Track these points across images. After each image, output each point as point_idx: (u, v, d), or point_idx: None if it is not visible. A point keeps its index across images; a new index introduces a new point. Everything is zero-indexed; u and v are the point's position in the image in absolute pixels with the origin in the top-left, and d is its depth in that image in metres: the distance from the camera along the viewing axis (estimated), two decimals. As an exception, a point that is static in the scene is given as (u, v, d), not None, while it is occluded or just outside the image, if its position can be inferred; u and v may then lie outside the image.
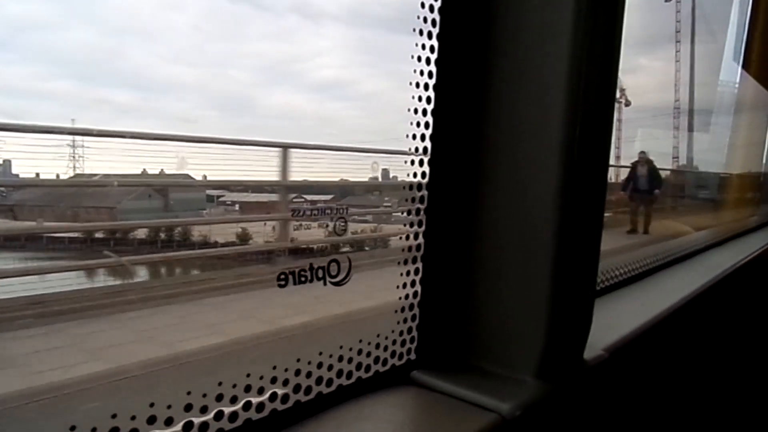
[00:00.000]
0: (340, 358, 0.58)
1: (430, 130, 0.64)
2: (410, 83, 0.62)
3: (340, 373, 0.58)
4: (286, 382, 0.53)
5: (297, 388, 0.54)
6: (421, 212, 0.65)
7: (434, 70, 0.63)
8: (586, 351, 0.73)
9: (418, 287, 0.66)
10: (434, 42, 0.62)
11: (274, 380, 0.52)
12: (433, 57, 0.62)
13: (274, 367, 0.53)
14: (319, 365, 0.56)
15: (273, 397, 0.52)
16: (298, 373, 0.54)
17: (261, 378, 0.51)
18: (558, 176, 0.60)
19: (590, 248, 0.70)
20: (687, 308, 1.06)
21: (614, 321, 0.89)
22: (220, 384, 0.49)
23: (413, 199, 0.64)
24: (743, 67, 2.68)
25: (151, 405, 0.44)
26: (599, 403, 0.77)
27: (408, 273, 0.65)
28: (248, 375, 0.51)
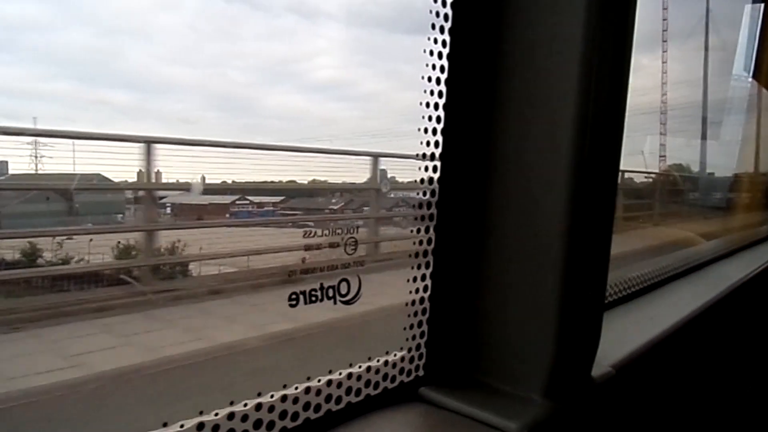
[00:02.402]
0: (350, 376, 0.59)
1: (441, 125, 0.64)
2: (422, 77, 0.62)
3: (349, 390, 0.59)
4: (296, 400, 0.54)
5: (307, 406, 0.55)
6: (431, 229, 0.65)
7: (446, 64, 0.63)
8: (593, 368, 0.73)
9: (426, 304, 0.66)
10: (446, 36, 0.62)
11: (284, 399, 0.53)
12: (445, 51, 0.62)
13: (285, 386, 0.53)
14: (329, 383, 0.57)
15: (283, 414, 0.53)
16: (308, 390, 0.55)
17: (271, 396, 0.52)
18: (568, 181, 0.60)
19: (599, 261, 0.70)
20: (697, 322, 1.06)
21: (621, 336, 0.89)
22: (231, 403, 0.49)
23: (421, 205, 0.64)
24: (753, 76, 2.67)
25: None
26: (607, 423, 0.77)
27: (417, 290, 0.65)
28: (259, 394, 0.51)
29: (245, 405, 0.50)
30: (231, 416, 0.49)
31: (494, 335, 0.67)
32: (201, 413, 0.48)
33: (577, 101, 0.59)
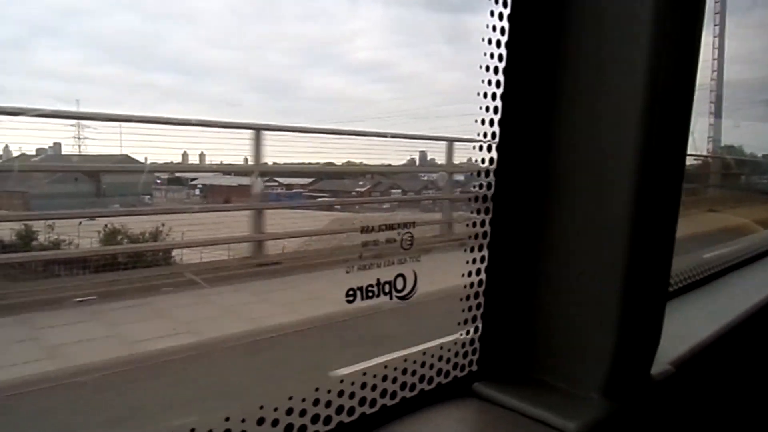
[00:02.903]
0: (405, 371, 0.58)
1: (499, 115, 0.61)
2: (480, 67, 0.60)
3: (403, 386, 0.58)
4: (352, 395, 0.54)
5: (362, 401, 0.55)
6: (486, 222, 0.63)
7: (504, 53, 0.60)
8: (652, 366, 0.71)
9: (481, 298, 0.65)
10: (505, 23, 0.59)
11: (341, 394, 0.53)
12: (504, 39, 0.60)
13: (341, 381, 0.53)
14: (384, 378, 0.57)
15: (339, 409, 0.53)
16: (363, 386, 0.55)
17: (328, 392, 0.52)
18: (634, 174, 0.57)
19: (663, 255, 0.67)
20: (761, 314, 1.00)
21: (680, 331, 0.85)
22: (290, 398, 0.50)
23: (476, 199, 0.62)
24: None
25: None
26: (666, 423, 0.75)
27: (471, 285, 0.64)
28: (317, 389, 0.51)
29: (303, 400, 0.50)
30: (290, 411, 0.50)
31: (551, 331, 0.65)
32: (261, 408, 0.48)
33: (646, 92, 0.55)
